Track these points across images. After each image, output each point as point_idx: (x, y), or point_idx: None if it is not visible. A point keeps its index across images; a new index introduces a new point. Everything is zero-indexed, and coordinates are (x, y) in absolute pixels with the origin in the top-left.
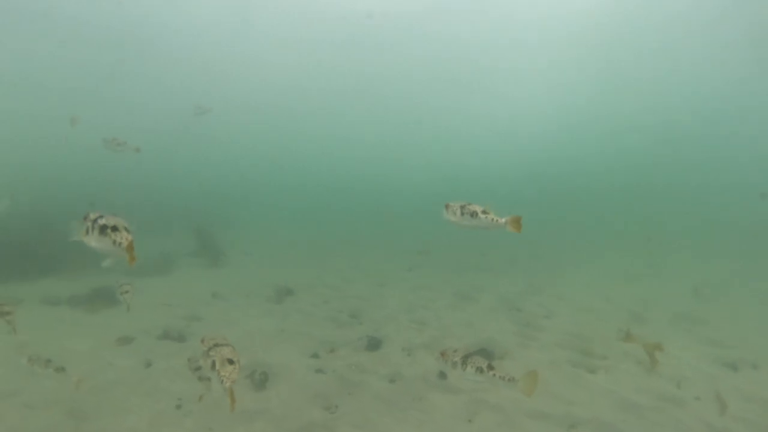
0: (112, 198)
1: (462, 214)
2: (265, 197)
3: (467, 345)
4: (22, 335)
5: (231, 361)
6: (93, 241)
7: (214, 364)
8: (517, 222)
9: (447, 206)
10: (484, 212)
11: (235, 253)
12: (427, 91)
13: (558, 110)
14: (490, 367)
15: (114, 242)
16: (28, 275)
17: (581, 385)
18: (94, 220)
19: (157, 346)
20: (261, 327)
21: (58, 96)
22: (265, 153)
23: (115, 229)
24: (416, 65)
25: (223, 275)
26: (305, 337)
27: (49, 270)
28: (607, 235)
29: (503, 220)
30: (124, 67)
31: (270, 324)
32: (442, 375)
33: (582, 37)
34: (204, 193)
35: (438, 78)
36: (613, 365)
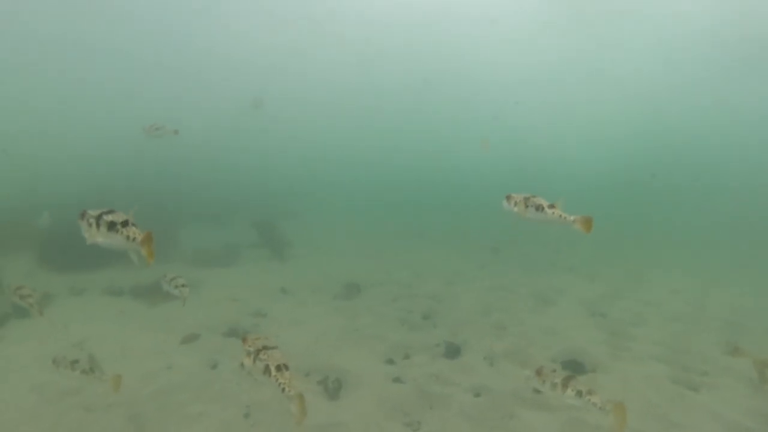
0: (178, 190)
1: (526, 206)
2: (331, 190)
3: (555, 355)
4: (83, 329)
5: (286, 367)
6: (101, 238)
7: (267, 369)
8: (587, 222)
9: (508, 197)
10: (550, 207)
11: (300, 246)
12: (507, 89)
13: (641, 112)
14: (590, 392)
15: (128, 238)
16: (93, 265)
17: (684, 405)
18: (98, 217)
19: (224, 344)
20: (330, 326)
21: (127, 93)
22: (332, 145)
23: (125, 224)
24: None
25: (288, 269)
26: (378, 340)
27: (113, 260)
28: (691, 236)
29: (572, 218)
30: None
31: (339, 323)
32: (534, 389)
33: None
34: (269, 185)
35: (520, 78)
36: (716, 382)
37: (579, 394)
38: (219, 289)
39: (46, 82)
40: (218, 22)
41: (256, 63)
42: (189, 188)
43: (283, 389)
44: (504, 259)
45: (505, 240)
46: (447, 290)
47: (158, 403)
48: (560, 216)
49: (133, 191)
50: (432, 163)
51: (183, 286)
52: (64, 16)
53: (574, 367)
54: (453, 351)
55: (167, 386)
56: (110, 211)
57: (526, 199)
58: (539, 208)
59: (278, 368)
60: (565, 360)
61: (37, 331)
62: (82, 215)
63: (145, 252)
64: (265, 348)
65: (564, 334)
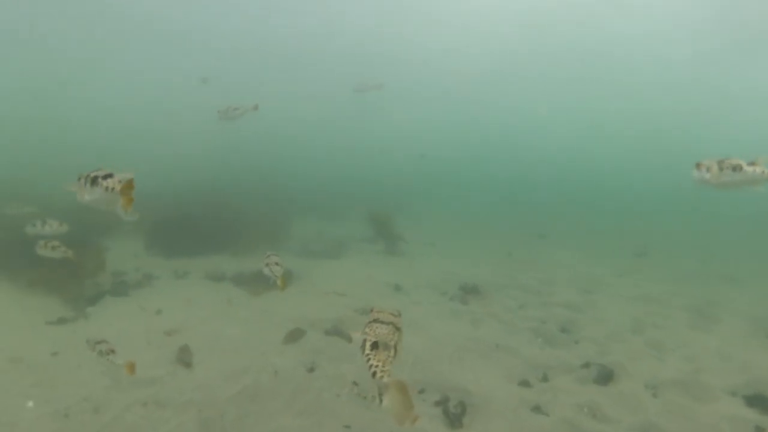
0: (290, 182)
1: (720, 169)
2: (446, 185)
3: (735, 387)
4: (178, 314)
5: (387, 347)
6: (87, 195)
7: (364, 345)
8: None
9: (698, 165)
10: (750, 165)
11: (414, 242)
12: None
13: None
14: None
15: (106, 189)
16: (198, 251)
17: None
18: (86, 176)
19: (324, 343)
20: (449, 333)
21: (240, 87)
22: (447, 139)
23: (107, 176)
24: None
25: (401, 264)
26: (507, 354)
27: (219, 247)
28: None
29: None
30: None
31: (459, 330)
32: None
33: None
34: (382, 179)
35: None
36: None
37: None
38: (326, 281)
39: (153, 76)
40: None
41: (367, 53)
42: (302, 180)
43: (374, 374)
44: (651, 265)
45: (652, 243)
46: (584, 299)
47: (239, 410)
48: (763, 172)
49: (245, 183)
50: (558, 157)
51: (276, 264)
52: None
53: (763, 405)
54: (605, 375)
55: (254, 389)
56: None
57: (720, 162)
58: (737, 168)
59: (374, 346)
60: (748, 394)
61: (129, 312)
62: (78, 178)
63: (123, 201)
64: (375, 321)
65: (739, 359)
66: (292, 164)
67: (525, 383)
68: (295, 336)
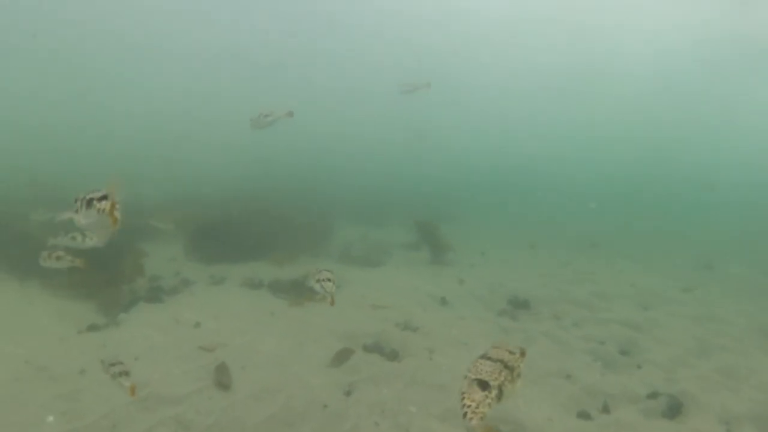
0: (331, 186)
1: None
2: (493, 193)
3: None
4: (212, 325)
5: (486, 386)
6: (83, 218)
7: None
8: None
9: None
10: None
11: (460, 251)
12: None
13: None
14: None
15: (98, 210)
16: (237, 257)
17: None
18: (82, 198)
19: (363, 362)
20: None
21: (266, 87)
22: (494, 147)
23: (102, 198)
24: None
25: (446, 274)
26: (562, 380)
27: (258, 253)
28: None
29: None
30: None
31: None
32: None
33: None
34: (428, 186)
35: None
36: None
37: None
38: (367, 291)
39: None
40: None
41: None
42: (344, 184)
43: (464, 414)
44: (717, 279)
45: (715, 253)
46: (644, 316)
47: None
48: None
49: (287, 187)
50: (610, 161)
51: (327, 280)
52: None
53: None
54: (674, 407)
55: (283, 413)
56: (94, 191)
57: None
58: None
59: (473, 384)
60: None
61: (162, 320)
62: (75, 200)
63: (110, 220)
64: (485, 357)
65: None
66: (335, 168)
67: (584, 415)
68: (342, 357)
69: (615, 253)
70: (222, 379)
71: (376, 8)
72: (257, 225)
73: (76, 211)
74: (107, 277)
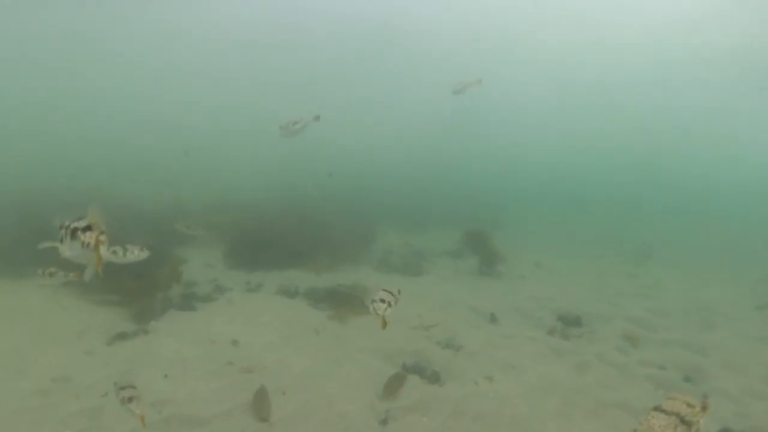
0: (370, 193)
1: None
2: (543, 201)
3: None
4: (238, 333)
5: None
6: (67, 249)
7: None
8: None
9: None
10: None
11: (512, 260)
12: None
13: None
14: None
15: (83, 244)
16: (276, 264)
17: None
18: (68, 226)
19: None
20: (551, 380)
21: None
22: (544, 151)
23: (86, 229)
24: None
25: (492, 287)
26: (624, 412)
27: (297, 260)
28: None
29: None
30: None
31: (562, 375)
32: None
33: None
34: (476, 192)
35: None
36: None
37: None
38: (408, 304)
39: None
40: None
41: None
42: (388, 190)
43: None
44: None
45: None
46: (707, 338)
47: None
48: None
49: (329, 192)
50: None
51: (381, 301)
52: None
53: None
54: None
55: None
56: (79, 219)
57: None
58: None
59: None
60: None
61: (192, 329)
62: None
63: (95, 258)
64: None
65: None
66: (377, 173)
67: None
68: (394, 386)
69: (671, 264)
70: (262, 412)
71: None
72: (297, 232)
73: (61, 241)
74: (142, 284)
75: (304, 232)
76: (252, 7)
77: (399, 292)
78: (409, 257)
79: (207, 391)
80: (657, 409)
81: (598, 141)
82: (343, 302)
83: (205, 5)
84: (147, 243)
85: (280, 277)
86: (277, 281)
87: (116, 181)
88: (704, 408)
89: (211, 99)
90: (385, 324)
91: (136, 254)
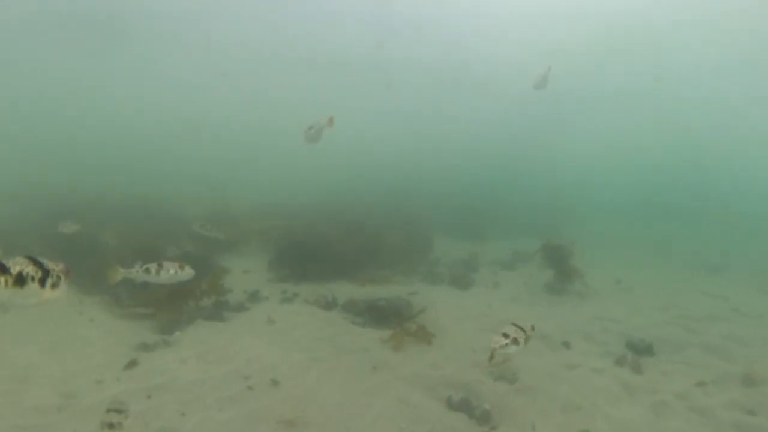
0: (426, 200)
1: None
2: (615, 208)
3: None
4: (267, 356)
5: None
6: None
7: None
8: None
9: None
10: None
11: (589, 276)
12: None
13: None
14: None
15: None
16: (322, 275)
17: None
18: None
19: (444, 425)
20: (625, 425)
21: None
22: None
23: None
24: None
25: (558, 305)
26: None
27: (345, 272)
28: None
29: None
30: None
31: (637, 419)
32: None
33: None
34: (544, 196)
35: None
36: None
37: None
38: (456, 321)
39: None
40: None
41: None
42: (444, 196)
43: None
44: None
45: None
46: None
47: None
48: None
49: (383, 198)
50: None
51: (504, 336)
52: None
53: None
54: None
55: None
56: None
57: None
58: None
59: None
60: None
61: (217, 345)
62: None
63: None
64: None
65: None
66: (433, 178)
67: None
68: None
69: (745, 281)
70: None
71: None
72: (349, 241)
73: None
74: (175, 294)
75: (356, 242)
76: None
77: (532, 329)
78: (465, 270)
79: (222, 420)
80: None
81: (687, 139)
82: (384, 317)
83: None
84: (186, 260)
85: (322, 289)
86: (317, 292)
87: (159, 187)
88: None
89: (265, 105)
90: (492, 359)
91: (172, 273)
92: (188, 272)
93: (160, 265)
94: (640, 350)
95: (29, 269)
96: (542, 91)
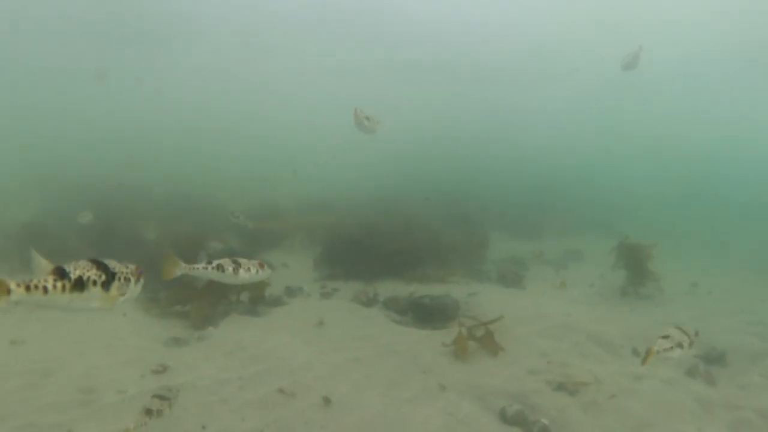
0: (482, 195)
1: None
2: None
3: None
4: (300, 354)
5: None
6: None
7: None
8: None
9: None
10: None
11: (665, 279)
12: None
13: None
14: None
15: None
16: (370, 274)
17: None
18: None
19: None
20: None
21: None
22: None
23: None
24: None
25: (627, 309)
26: None
27: (396, 271)
28: None
29: None
30: None
31: None
32: None
33: None
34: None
35: None
36: None
37: None
38: (511, 323)
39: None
40: None
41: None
42: (500, 190)
43: None
44: None
45: None
46: None
47: None
48: None
49: (439, 193)
50: None
51: (665, 338)
52: None
53: None
54: None
55: None
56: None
57: None
58: None
59: None
60: None
61: (249, 342)
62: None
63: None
64: None
65: None
66: (489, 172)
67: None
68: None
69: None
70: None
71: None
72: (402, 238)
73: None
74: (210, 288)
75: (410, 240)
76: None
77: (697, 335)
78: (523, 269)
79: (248, 428)
80: None
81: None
82: (428, 316)
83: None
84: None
85: (368, 288)
86: (356, 288)
87: (207, 182)
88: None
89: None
90: (646, 360)
91: (253, 273)
92: (268, 272)
93: (236, 263)
94: (711, 359)
95: (91, 273)
96: (633, 70)
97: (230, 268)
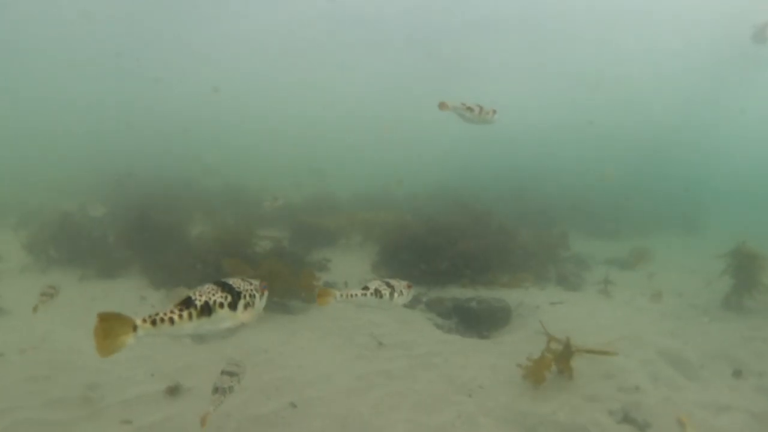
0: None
1: None
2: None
3: None
4: (327, 368)
5: None
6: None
7: None
8: None
9: None
10: None
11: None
12: None
13: None
14: None
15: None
16: (433, 278)
17: None
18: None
19: None
20: None
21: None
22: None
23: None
24: None
25: (701, 322)
26: None
27: (461, 276)
28: None
29: None
30: None
31: None
32: None
33: None
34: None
35: None
36: None
37: None
38: (564, 331)
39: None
40: None
41: None
42: (578, 187)
43: None
44: None
45: None
46: None
47: None
48: None
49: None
50: None
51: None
52: None
53: None
54: None
55: None
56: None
57: None
58: None
59: None
60: None
61: (271, 344)
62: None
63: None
64: None
65: None
66: (566, 170)
67: None
68: None
69: None
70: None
71: None
72: (471, 239)
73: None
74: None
75: (481, 241)
76: None
77: None
78: (608, 273)
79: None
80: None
81: None
82: (475, 322)
83: None
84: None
85: (430, 293)
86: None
87: (262, 176)
88: None
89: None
90: None
91: (405, 295)
92: (413, 292)
93: (390, 286)
94: None
95: (216, 296)
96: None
97: (387, 293)
